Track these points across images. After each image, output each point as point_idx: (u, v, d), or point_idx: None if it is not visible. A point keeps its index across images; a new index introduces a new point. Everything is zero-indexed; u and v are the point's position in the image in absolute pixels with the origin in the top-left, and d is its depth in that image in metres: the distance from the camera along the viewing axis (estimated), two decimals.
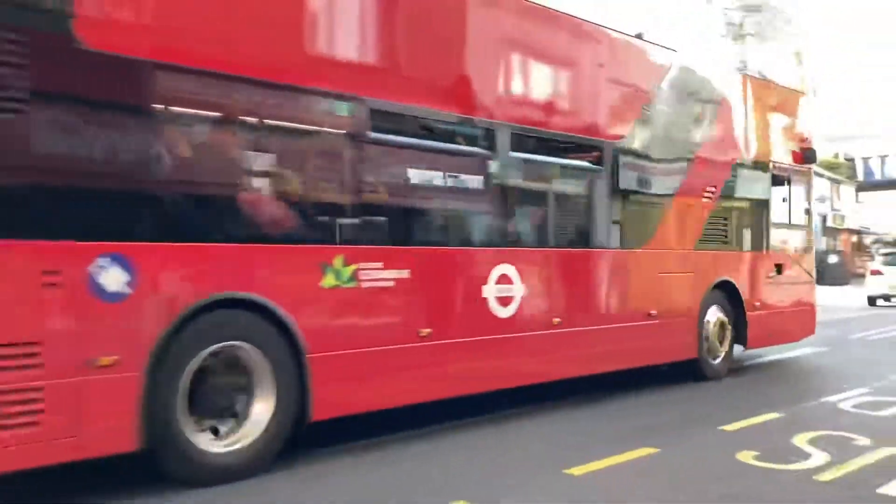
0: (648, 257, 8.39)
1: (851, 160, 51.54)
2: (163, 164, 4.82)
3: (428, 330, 6.18)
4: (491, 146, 6.77)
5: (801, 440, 6.49)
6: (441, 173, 6.44)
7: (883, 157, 51.08)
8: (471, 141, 6.70)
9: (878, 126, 51.02)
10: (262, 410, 5.27)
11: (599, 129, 7.90)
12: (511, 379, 6.99)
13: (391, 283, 5.95)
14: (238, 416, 5.26)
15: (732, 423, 7.10)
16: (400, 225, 6.16)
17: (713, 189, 9.37)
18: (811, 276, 11.07)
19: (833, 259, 38.66)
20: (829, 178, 46.02)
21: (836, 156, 49.96)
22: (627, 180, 8.14)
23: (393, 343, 5.97)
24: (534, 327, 7.06)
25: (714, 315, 9.35)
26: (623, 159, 8.07)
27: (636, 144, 8.29)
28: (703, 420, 7.34)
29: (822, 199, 38.44)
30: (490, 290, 6.70)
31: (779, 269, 10.33)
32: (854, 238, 51.22)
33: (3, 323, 4.18)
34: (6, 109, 4.20)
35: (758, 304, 9.94)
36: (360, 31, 5.87)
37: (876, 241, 51.31)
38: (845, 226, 49.48)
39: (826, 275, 30.71)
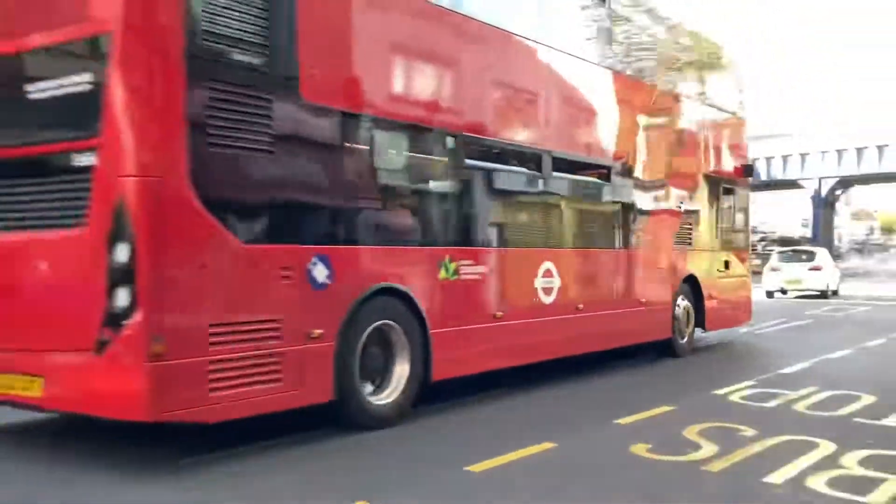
0: (642, 255, 10.76)
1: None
2: (348, 190, 6.70)
3: (501, 312, 8.19)
4: (539, 167, 8.96)
5: (691, 432, 6.83)
6: (508, 188, 8.76)
7: (769, 159, 53.59)
8: (526, 163, 8.88)
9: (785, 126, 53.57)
10: (400, 374, 7.08)
11: (609, 153, 10.29)
12: (550, 353, 9.05)
13: (478, 277, 7.97)
14: (384, 379, 7.01)
15: (628, 417, 7.42)
16: (482, 230, 8.22)
17: (683, 198, 11.85)
18: (748, 271, 13.63)
19: None
20: None
21: None
22: (628, 194, 10.57)
23: (479, 323, 7.93)
24: (566, 312, 9.15)
25: (683, 303, 11.69)
26: (624, 178, 10.48)
27: (636, 167, 10.76)
28: (600, 414, 7.63)
29: None
30: (538, 282, 8.78)
31: (726, 265, 12.84)
32: None
33: (260, 304, 5.85)
34: (261, 150, 5.90)
35: (712, 294, 12.33)
36: (464, 92, 8.08)
37: (762, 240, 54.27)
38: None
39: None
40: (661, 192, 11.35)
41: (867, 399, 8.52)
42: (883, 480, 5.54)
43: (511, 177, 8.72)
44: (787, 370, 10.56)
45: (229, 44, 5.71)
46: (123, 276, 5.12)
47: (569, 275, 9.24)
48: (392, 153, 7.19)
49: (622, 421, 7.29)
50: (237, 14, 5.77)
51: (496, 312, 8.16)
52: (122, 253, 5.11)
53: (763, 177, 53.69)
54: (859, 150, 51.88)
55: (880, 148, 51.07)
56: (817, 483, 5.46)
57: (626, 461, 5.99)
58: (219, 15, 5.63)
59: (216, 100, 5.58)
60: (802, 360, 11.47)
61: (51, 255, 5.54)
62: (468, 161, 7.92)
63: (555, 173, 9.10)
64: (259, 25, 5.92)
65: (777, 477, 5.59)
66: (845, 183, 57.48)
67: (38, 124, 5.72)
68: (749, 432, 6.86)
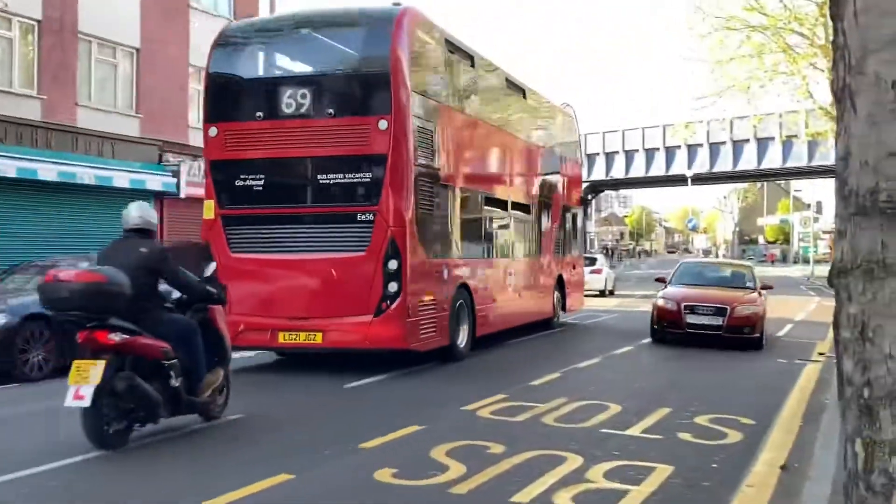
0: (542, 262, 17.89)
1: None
2: (459, 228, 13.22)
3: (496, 299, 14.67)
4: (521, 209, 16.60)
5: (439, 453, 6.83)
6: (505, 223, 15.86)
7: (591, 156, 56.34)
8: (517, 207, 16.36)
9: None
10: (465, 331, 13.23)
11: (535, 196, 17.70)
12: (508, 324, 15.54)
13: (490, 276, 14.59)
14: (458, 334, 13.03)
15: (371, 441, 7.29)
16: (495, 248, 15.27)
17: (558, 219, 19.10)
18: (582, 270, 21.95)
19: None
20: None
21: None
22: (544, 220, 18.01)
23: (490, 304, 14.34)
24: (516, 298, 15.98)
25: (556, 294, 18.79)
26: (534, 212, 17.48)
27: (538, 204, 17.72)
28: (343, 439, 7.44)
29: None
30: (508, 279, 15.61)
31: (574, 267, 20.39)
32: None
33: (432, 289, 12.22)
34: (432, 209, 12.37)
35: (568, 288, 19.59)
36: (497, 173, 15.80)
37: None
38: None
39: None
40: (547, 219, 18.42)
41: (614, 408, 9.00)
42: (626, 492, 5.81)
43: (507, 216, 15.92)
44: (536, 381, 10.98)
45: (422, 158, 11.99)
46: (393, 276, 11.20)
47: (517, 273, 16.34)
48: (473, 208, 14.19)
49: (367, 445, 7.15)
50: (423, 142, 12.05)
51: (495, 298, 14.79)
52: (392, 264, 11.22)
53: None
54: (608, 156, 56.01)
55: (628, 153, 55.51)
56: (564, 499, 5.62)
57: (370, 488, 5.85)
58: (419, 144, 11.86)
59: (419, 186, 11.84)
60: (551, 370, 11.99)
61: (345, 266, 11.40)
62: (488, 208, 14.95)
63: (514, 211, 16.22)
64: (428, 147, 12.27)
65: (524, 496, 5.69)
66: (594, 188, 61.53)
67: (342, 196, 11.61)
68: (498, 449, 6.98)
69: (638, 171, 55.89)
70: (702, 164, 53.28)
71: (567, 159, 20.28)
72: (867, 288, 2.43)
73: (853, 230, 2.46)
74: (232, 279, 10.39)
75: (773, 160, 50.54)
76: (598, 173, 56.26)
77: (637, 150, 55.63)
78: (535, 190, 17.57)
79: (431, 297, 12.05)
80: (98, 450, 6.72)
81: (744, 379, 11.94)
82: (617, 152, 55.89)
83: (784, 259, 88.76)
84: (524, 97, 17.25)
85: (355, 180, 11.68)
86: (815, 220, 70.73)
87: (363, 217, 11.45)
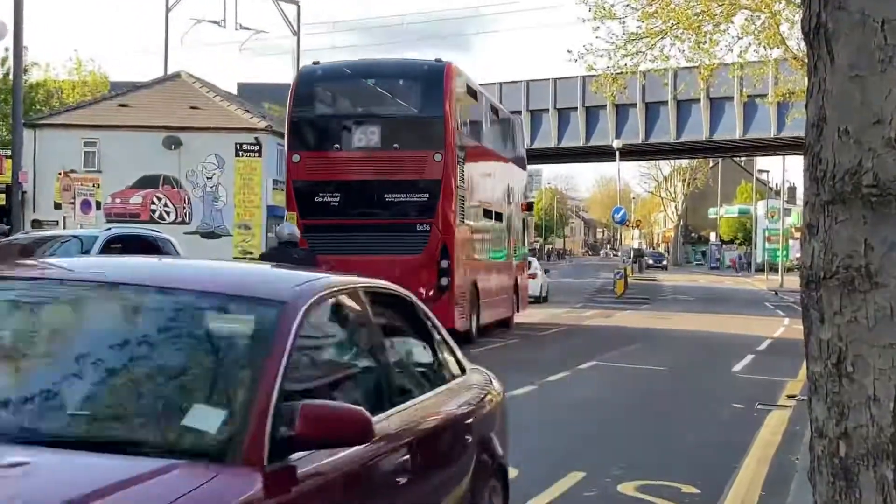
0: (510, 263, 28.90)
1: None
2: (480, 236, 25.63)
3: (493, 294, 26.06)
4: (488, 215, 26.99)
5: None
6: (504, 231, 28.71)
7: None
8: (498, 217, 27.96)
9: None
10: (474, 319, 23.80)
11: (507, 205, 29.19)
12: (498, 315, 26.80)
13: (489, 276, 25.98)
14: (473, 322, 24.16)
15: None
16: (487, 251, 27.05)
17: (519, 229, 30.44)
18: (526, 274, 32.94)
19: None
20: None
21: None
22: (511, 226, 29.27)
23: (491, 297, 25.48)
24: (499, 295, 26.99)
25: (514, 294, 28.94)
26: (514, 220, 29.83)
27: (508, 213, 28.85)
28: None
29: None
30: (493, 280, 26.53)
31: (522, 269, 31.20)
32: None
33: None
34: (469, 224, 24.47)
35: (521, 288, 30.08)
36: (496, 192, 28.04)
37: None
38: None
39: None
40: (512, 226, 28.57)
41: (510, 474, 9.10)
42: None
43: (496, 224, 26.86)
44: None
45: (460, 181, 22.20)
46: (445, 272, 21.27)
47: (499, 275, 27.10)
48: (481, 219, 25.01)
49: None
50: (460, 170, 22.13)
51: (488, 295, 24.33)
52: (444, 263, 21.33)
53: None
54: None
55: (534, 114, 56.26)
56: None
57: None
58: (459, 171, 22.15)
59: (460, 204, 22.37)
60: None
61: (405, 266, 19.90)
62: (487, 220, 25.65)
63: (495, 222, 26.54)
64: (461, 172, 22.33)
65: None
66: None
67: (403, 211, 21.67)
68: None
69: (546, 139, 56.81)
70: (634, 132, 54.47)
71: (518, 165, 31.08)
72: (845, 304, 2.42)
73: (827, 225, 2.46)
74: None
75: (730, 128, 52.12)
76: None
77: (546, 111, 56.63)
78: (507, 199, 28.37)
79: (463, 291, 22.15)
80: None
81: (687, 430, 12.29)
82: (518, 112, 56.61)
83: (748, 266, 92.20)
84: (497, 116, 28.51)
85: (414, 199, 21.56)
86: (787, 212, 71.63)
87: (421, 227, 21.31)
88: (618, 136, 54.10)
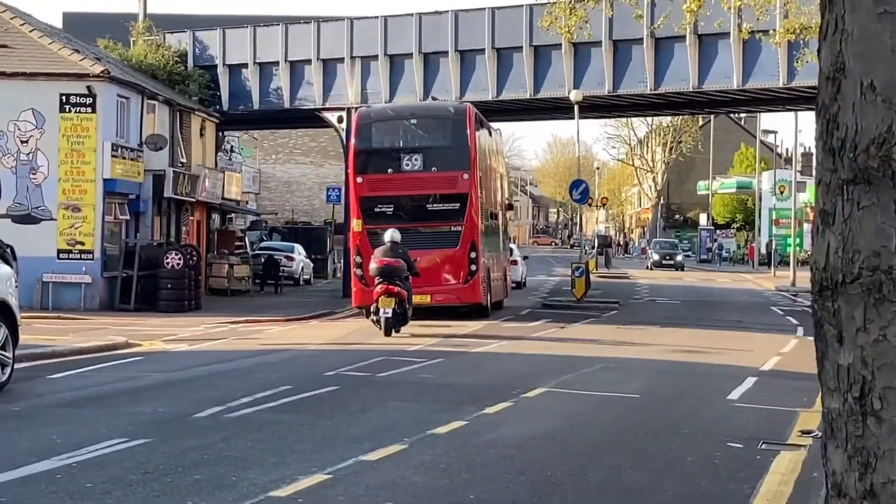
0: (502, 254, 56.54)
1: None
2: (488, 232, 50.90)
3: (491, 283, 49.57)
4: (489, 215, 52.76)
5: None
6: (495, 226, 54.40)
7: None
8: (494, 217, 54.24)
9: None
10: (487, 297, 49.77)
11: (499, 204, 57.62)
12: (495, 297, 51.55)
13: (491, 266, 50.53)
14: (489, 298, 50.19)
15: None
16: (490, 245, 52.34)
17: (504, 221, 58.39)
18: (508, 263, 59.98)
19: None
20: None
21: None
22: (503, 227, 58.41)
23: (494, 283, 50.99)
24: (496, 281, 52.86)
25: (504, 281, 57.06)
26: (503, 218, 58.27)
27: (498, 211, 56.73)
28: None
29: None
30: (494, 268, 52.12)
31: (507, 260, 58.61)
32: None
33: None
34: (486, 224, 51.31)
35: (507, 276, 57.26)
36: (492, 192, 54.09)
37: None
38: None
39: None
40: (502, 222, 54.98)
41: None
42: None
43: (494, 222, 52.42)
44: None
45: (479, 197, 46.57)
46: (473, 261, 44.92)
47: (497, 265, 52.00)
48: (489, 219, 50.13)
49: None
50: (480, 183, 46.97)
51: (492, 280, 47.92)
52: (472, 255, 44.96)
53: None
54: (428, 57, 57.71)
55: (464, 55, 56.62)
56: None
57: None
58: (478, 188, 45.82)
59: (482, 209, 47.47)
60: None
61: (444, 257, 45.00)
62: (490, 220, 50.77)
63: (492, 221, 51.06)
64: (479, 185, 47.28)
65: None
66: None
67: (441, 216, 45.80)
68: None
69: (480, 89, 56.74)
70: (598, 80, 54.60)
71: (504, 170, 51.45)
72: (871, 318, 2.32)
73: (847, 212, 2.34)
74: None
75: (725, 75, 52.27)
76: (408, 89, 56.74)
77: (481, 51, 56.62)
78: (499, 199, 49.96)
79: (483, 276, 42.03)
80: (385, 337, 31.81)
81: (667, 479, 12.40)
82: (443, 53, 56.56)
83: (724, 259, 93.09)
84: (491, 135, 48.87)
85: (448, 207, 41.88)
86: (801, 186, 72.43)
87: (454, 229, 41.60)
88: (576, 85, 53.56)
